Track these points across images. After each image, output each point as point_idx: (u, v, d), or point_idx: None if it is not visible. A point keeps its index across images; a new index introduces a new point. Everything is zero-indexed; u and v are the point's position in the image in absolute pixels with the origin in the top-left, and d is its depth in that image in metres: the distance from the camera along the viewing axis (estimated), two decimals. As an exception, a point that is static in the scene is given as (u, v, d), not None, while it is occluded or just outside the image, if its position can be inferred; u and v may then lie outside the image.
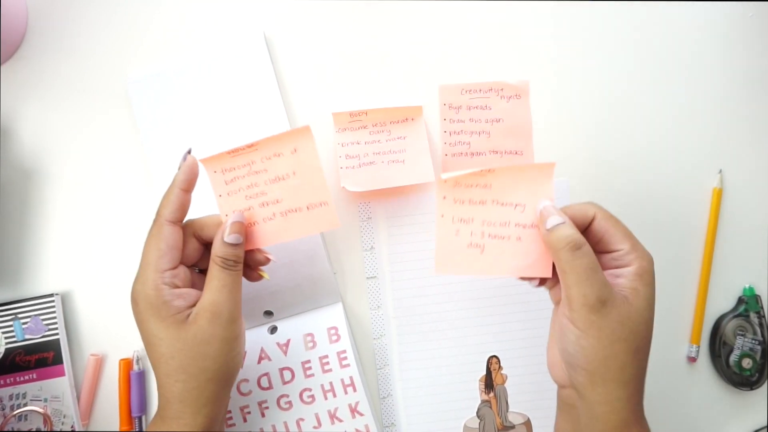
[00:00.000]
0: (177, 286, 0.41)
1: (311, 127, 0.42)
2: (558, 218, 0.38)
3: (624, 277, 0.38)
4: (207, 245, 0.44)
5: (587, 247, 0.37)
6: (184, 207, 0.42)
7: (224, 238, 0.41)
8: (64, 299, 0.53)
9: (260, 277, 0.45)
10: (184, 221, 0.43)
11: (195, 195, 0.43)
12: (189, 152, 0.43)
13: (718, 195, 0.53)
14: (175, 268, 0.41)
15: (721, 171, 0.53)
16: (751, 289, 0.53)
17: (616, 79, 0.54)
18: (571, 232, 0.38)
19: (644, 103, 0.54)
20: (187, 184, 0.42)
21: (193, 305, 0.41)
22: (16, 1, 0.53)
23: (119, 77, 0.54)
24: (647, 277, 0.38)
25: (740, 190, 0.54)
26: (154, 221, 0.41)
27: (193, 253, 0.43)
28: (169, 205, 0.41)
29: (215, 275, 0.41)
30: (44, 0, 0.54)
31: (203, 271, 0.44)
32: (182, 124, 0.53)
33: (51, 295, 0.52)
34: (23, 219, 0.54)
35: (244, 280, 0.45)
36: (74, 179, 0.54)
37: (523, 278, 0.42)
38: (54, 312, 0.52)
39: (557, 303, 0.43)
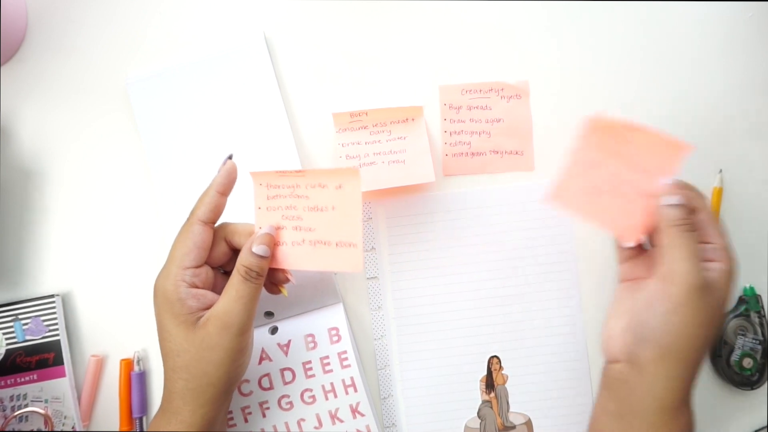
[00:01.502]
0: (196, 286, 0.42)
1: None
2: (681, 198, 0.40)
3: (715, 272, 0.40)
4: (235, 251, 0.44)
5: (697, 235, 0.40)
6: (218, 209, 0.43)
7: (252, 248, 0.41)
8: (65, 300, 0.53)
9: (279, 292, 0.45)
10: (218, 224, 0.44)
11: (234, 201, 0.44)
12: (230, 157, 0.44)
13: (718, 195, 0.53)
14: (198, 267, 0.42)
15: (721, 171, 0.53)
16: (751, 288, 0.53)
17: (616, 79, 0.54)
18: (687, 214, 0.39)
19: (644, 102, 0.54)
20: (223, 188, 0.43)
21: (207, 308, 0.41)
22: (16, 1, 0.53)
23: (119, 77, 0.54)
24: (732, 276, 0.40)
25: (740, 190, 0.54)
26: (188, 219, 0.43)
27: (221, 255, 0.44)
28: (203, 205, 0.42)
29: (234, 284, 0.41)
30: (44, 0, 0.54)
31: (228, 273, 0.45)
32: (182, 124, 0.53)
33: (51, 296, 0.52)
34: (23, 219, 0.54)
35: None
36: (74, 179, 0.54)
37: (620, 242, 0.44)
38: (55, 313, 0.52)
39: (625, 280, 0.45)
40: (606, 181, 0.42)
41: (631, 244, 0.43)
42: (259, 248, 0.41)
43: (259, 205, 0.44)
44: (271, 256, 0.43)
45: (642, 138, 0.41)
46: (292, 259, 0.43)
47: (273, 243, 0.43)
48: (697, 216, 0.41)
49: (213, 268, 0.44)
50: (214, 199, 0.42)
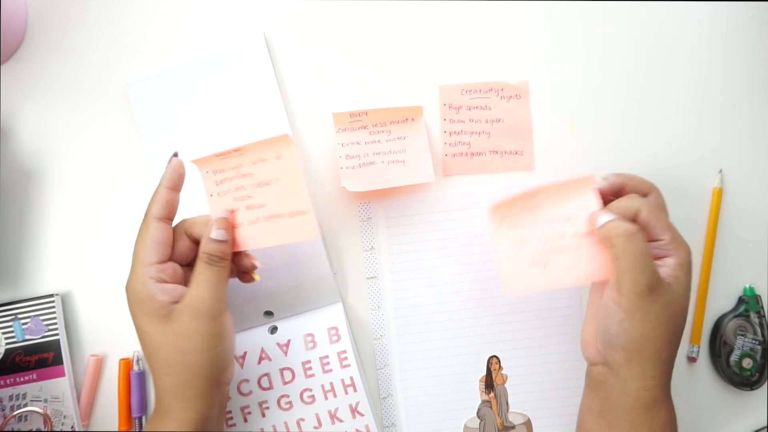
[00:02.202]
0: (164, 281, 0.42)
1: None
2: (607, 216, 0.41)
3: (667, 267, 0.40)
4: (198, 244, 0.44)
5: (641, 235, 0.39)
6: (170, 205, 0.43)
7: (210, 235, 0.42)
8: (64, 299, 0.53)
9: (252, 279, 0.46)
10: (175, 220, 0.44)
11: (191, 197, 0.44)
12: (175, 155, 0.44)
13: (718, 195, 0.53)
14: (163, 262, 0.42)
15: (721, 171, 0.53)
16: (751, 289, 0.53)
17: (616, 79, 0.54)
18: (623, 223, 0.40)
19: (644, 103, 0.54)
20: (172, 183, 0.43)
21: (178, 301, 0.42)
22: (16, 1, 0.53)
23: (119, 77, 0.54)
24: (687, 267, 0.41)
25: (740, 190, 0.54)
26: (143, 219, 0.43)
27: (186, 251, 0.44)
28: (156, 203, 0.43)
29: (200, 271, 0.42)
30: (44, 0, 0.54)
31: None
32: (182, 124, 0.53)
33: (51, 296, 0.52)
34: (23, 219, 0.54)
35: (240, 282, 0.46)
36: (74, 180, 0.54)
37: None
38: (54, 312, 0.52)
39: (597, 285, 0.45)
40: (541, 249, 0.43)
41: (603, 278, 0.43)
42: (216, 233, 0.42)
43: (210, 192, 0.44)
44: (232, 240, 0.43)
45: (545, 197, 0.43)
46: (252, 239, 0.44)
47: (230, 226, 0.43)
48: (639, 218, 0.41)
49: (182, 266, 0.44)
50: (164, 196, 0.43)
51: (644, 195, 0.44)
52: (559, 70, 0.54)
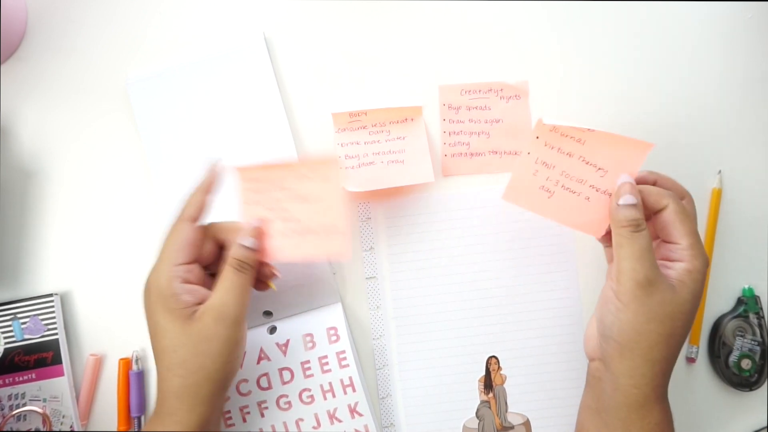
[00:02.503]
0: (189, 282, 0.42)
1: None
2: (632, 198, 0.41)
3: (674, 270, 0.40)
4: (222, 249, 0.45)
5: (646, 232, 0.40)
6: (201, 207, 0.44)
7: (242, 241, 0.43)
8: (64, 299, 0.53)
9: (267, 287, 0.46)
10: (206, 223, 0.45)
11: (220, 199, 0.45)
12: (217, 161, 0.45)
13: (718, 195, 0.53)
14: (189, 263, 0.43)
15: (720, 171, 0.53)
16: (750, 289, 0.53)
17: (616, 80, 0.54)
18: (636, 216, 0.40)
19: (644, 103, 0.54)
20: (208, 187, 0.44)
21: (201, 303, 0.42)
22: (16, 1, 0.53)
23: (119, 77, 0.54)
24: (696, 275, 0.40)
25: (740, 190, 0.54)
26: (177, 218, 0.44)
27: (209, 254, 0.45)
28: (191, 205, 0.44)
29: (227, 276, 0.42)
30: (44, 0, 0.54)
31: (214, 275, 0.46)
32: (182, 124, 0.53)
33: (50, 295, 0.52)
34: (23, 219, 0.54)
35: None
36: (74, 179, 0.54)
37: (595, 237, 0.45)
38: (53, 312, 0.52)
39: (609, 278, 0.45)
40: (557, 180, 0.44)
41: (597, 236, 0.44)
42: (248, 240, 0.43)
43: (245, 199, 0.45)
44: (262, 249, 0.44)
45: (596, 139, 0.42)
46: (282, 250, 0.44)
47: (262, 235, 0.44)
48: (662, 213, 0.41)
49: (202, 267, 0.45)
50: (201, 198, 0.44)
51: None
52: (559, 70, 0.54)
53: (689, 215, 0.42)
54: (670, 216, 0.41)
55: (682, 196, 0.44)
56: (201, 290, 0.43)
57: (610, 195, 0.43)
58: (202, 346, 0.40)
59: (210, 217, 0.45)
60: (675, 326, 0.40)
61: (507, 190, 0.45)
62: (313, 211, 0.44)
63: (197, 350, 0.40)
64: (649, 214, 0.42)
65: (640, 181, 0.43)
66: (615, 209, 0.41)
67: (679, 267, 0.40)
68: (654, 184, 0.44)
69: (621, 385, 0.40)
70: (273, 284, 0.46)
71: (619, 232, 0.40)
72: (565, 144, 0.43)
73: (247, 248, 0.43)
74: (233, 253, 0.43)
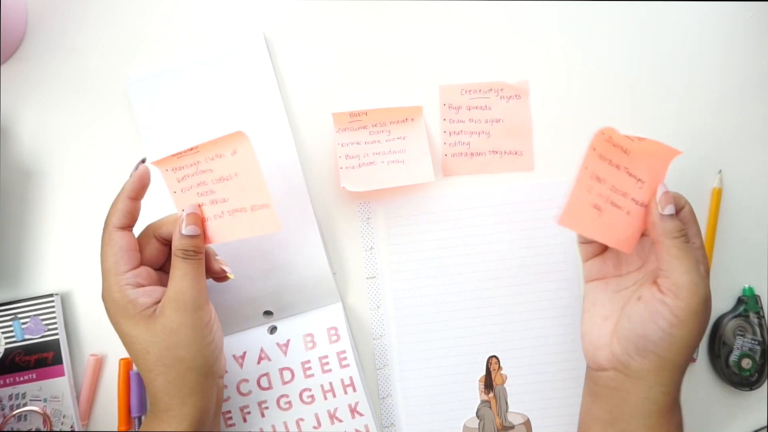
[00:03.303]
0: (141, 285, 0.42)
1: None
2: (673, 208, 0.39)
3: None
4: (169, 246, 0.45)
5: (689, 238, 0.39)
6: (132, 214, 0.43)
7: (182, 231, 0.42)
8: (64, 299, 0.53)
9: (227, 278, 0.46)
10: (146, 226, 0.45)
11: (149, 199, 0.45)
12: (143, 161, 0.44)
13: (718, 195, 0.53)
14: (135, 268, 0.42)
15: (721, 171, 0.53)
16: (750, 289, 0.53)
17: (616, 79, 0.54)
18: (682, 225, 0.39)
19: (644, 103, 0.54)
20: (135, 193, 0.43)
21: (159, 301, 0.42)
22: (16, 1, 0.53)
23: (119, 77, 0.54)
24: (708, 277, 0.40)
25: (740, 190, 0.54)
26: (104, 230, 0.43)
27: (157, 255, 0.45)
28: (116, 213, 0.43)
29: (176, 266, 0.42)
30: (44, 0, 0.54)
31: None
32: (182, 124, 0.53)
33: (51, 295, 0.52)
34: (23, 219, 0.54)
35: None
36: (74, 179, 0.54)
37: (618, 246, 0.42)
38: (54, 312, 0.52)
39: (594, 279, 0.44)
40: (607, 195, 0.41)
41: (629, 251, 0.42)
42: (187, 228, 0.42)
43: (174, 189, 0.44)
44: (203, 234, 0.44)
45: (638, 147, 0.41)
46: (219, 232, 0.44)
47: (200, 220, 0.44)
48: (680, 215, 0.41)
49: (155, 269, 0.45)
50: (126, 205, 0.43)
51: (680, 207, 0.43)
52: (560, 70, 0.54)
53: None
54: (686, 217, 0.41)
55: (684, 204, 0.43)
56: (157, 289, 0.43)
57: (644, 206, 0.41)
58: (172, 339, 0.40)
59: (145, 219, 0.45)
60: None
61: (564, 214, 0.40)
62: (235, 188, 0.43)
63: (168, 344, 0.40)
64: None
65: None
66: (662, 220, 0.39)
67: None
68: None
69: (652, 395, 0.39)
70: (230, 274, 0.46)
71: (672, 243, 0.38)
72: (615, 155, 0.40)
73: (188, 236, 0.42)
74: (176, 244, 0.42)
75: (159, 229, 0.44)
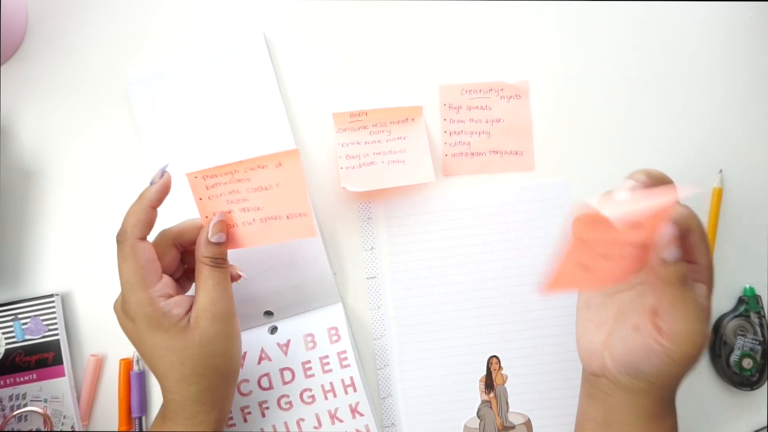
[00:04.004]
0: (170, 296, 0.42)
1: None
2: (677, 251, 0.35)
3: (700, 296, 0.37)
4: (183, 252, 0.45)
5: (690, 280, 0.36)
6: (151, 223, 0.42)
7: (210, 238, 0.42)
8: (64, 300, 0.53)
9: (237, 279, 0.46)
10: (159, 232, 0.44)
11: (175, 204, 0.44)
12: (165, 168, 0.43)
13: (718, 195, 0.53)
14: (161, 279, 0.42)
15: (721, 171, 0.53)
16: (751, 289, 0.53)
17: (616, 79, 0.54)
18: (684, 270, 0.35)
19: (644, 102, 0.54)
20: (158, 202, 0.42)
21: (189, 310, 0.41)
22: (16, 1, 0.53)
23: (119, 77, 0.54)
24: (711, 298, 0.38)
25: (740, 190, 0.54)
26: (122, 241, 0.41)
27: (173, 262, 0.44)
28: (138, 223, 0.41)
29: (206, 275, 0.41)
30: (44, 0, 0.54)
31: (179, 279, 0.46)
32: (182, 124, 0.53)
33: (51, 296, 0.52)
34: (23, 219, 0.54)
35: (238, 282, 0.46)
36: (74, 179, 0.54)
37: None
38: (54, 312, 0.52)
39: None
40: (596, 255, 0.37)
41: (623, 283, 0.40)
42: (215, 237, 0.42)
43: (200, 196, 0.43)
44: (228, 241, 0.43)
45: (630, 206, 0.35)
46: (248, 238, 0.44)
47: (225, 227, 0.43)
48: (689, 237, 0.37)
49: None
50: (147, 214, 0.41)
51: None
52: (559, 70, 0.54)
53: (704, 230, 0.38)
54: (696, 237, 0.37)
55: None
56: (184, 299, 0.42)
57: (644, 247, 0.36)
58: (208, 349, 0.40)
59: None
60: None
61: (548, 283, 0.38)
62: (274, 199, 0.43)
63: (204, 354, 0.40)
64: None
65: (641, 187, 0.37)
66: (661, 266, 0.35)
67: (702, 290, 0.38)
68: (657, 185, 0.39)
69: (645, 404, 0.39)
70: (245, 277, 0.47)
71: (670, 290, 0.35)
72: (602, 230, 0.35)
73: (215, 244, 0.42)
74: (203, 252, 0.41)
75: (180, 237, 0.43)
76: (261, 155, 0.42)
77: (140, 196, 0.42)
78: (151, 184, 0.42)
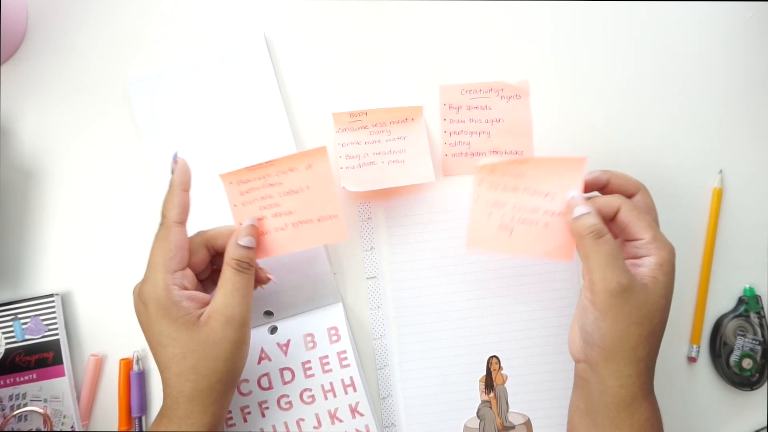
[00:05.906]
0: (186, 288, 0.42)
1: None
2: (584, 208, 0.41)
3: (645, 267, 0.40)
4: (215, 256, 0.45)
5: (609, 236, 0.40)
6: (186, 207, 0.43)
7: (239, 241, 0.42)
8: (64, 299, 0.53)
9: (261, 288, 0.47)
10: (196, 232, 0.45)
11: (208, 208, 0.45)
12: (177, 154, 0.44)
13: (718, 195, 0.53)
14: (183, 269, 0.42)
15: (721, 171, 0.53)
16: (751, 289, 0.53)
17: (616, 79, 0.54)
18: (594, 221, 0.40)
19: (644, 103, 0.54)
20: (185, 185, 0.43)
21: (202, 307, 0.42)
22: (16, 1, 0.53)
23: (119, 77, 0.54)
24: (667, 267, 0.40)
25: (740, 190, 0.54)
26: (161, 224, 0.42)
27: (200, 262, 0.45)
28: (175, 207, 0.42)
29: (229, 278, 0.42)
30: (44, 0, 0.54)
31: (204, 281, 0.46)
32: (182, 124, 0.53)
33: (51, 296, 0.52)
34: (23, 219, 0.54)
35: None
36: (74, 179, 0.54)
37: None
38: (54, 312, 0.52)
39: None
40: (512, 216, 0.44)
41: (569, 260, 0.44)
42: (244, 240, 0.43)
43: (234, 202, 0.45)
44: (258, 248, 0.44)
45: (533, 167, 0.43)
46: (280, 245, 0.45)
47: (257, 232, 0.44)
48: (618, 215, 0.42)
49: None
50: (181, 198, 0.43)
51: (631, 194, 0.44)
52: (560, 70, 0.54)
53: (648, 209, 0.43)
54: (627, 215, 0.41)
55: (637, 190, 0.44)
56: (200, 295, 0.42)
57: (562, 215, 0.43)
58: (213, 350, 0.40)
59: (201, 225, 0.45)
60: (654, 324, 0.40)
61: (469, 239, 0.45)
62: (305, 202, 0.44)
63: (207, 354, 0.40)
64: (607, 220, 0.42)
65: (593, 183, 0.45)
66: (573, 222, 0.41)
67: (648, 262, 0.40)
68: (607, 182, 0.45)
69: (608, 387, 0.41)
70: (271, 275, 0.47)
71: (583, 242, 0.40)
72: (507, 181, 0.44)
73: (245, 247, 0.42)
74: (231, 253, 0.42)
75: (214, 240, 0.44)
76: (289, 155, 0.43)
77: (169, 185, 0.43)
78: (172, 172, 0.43)
